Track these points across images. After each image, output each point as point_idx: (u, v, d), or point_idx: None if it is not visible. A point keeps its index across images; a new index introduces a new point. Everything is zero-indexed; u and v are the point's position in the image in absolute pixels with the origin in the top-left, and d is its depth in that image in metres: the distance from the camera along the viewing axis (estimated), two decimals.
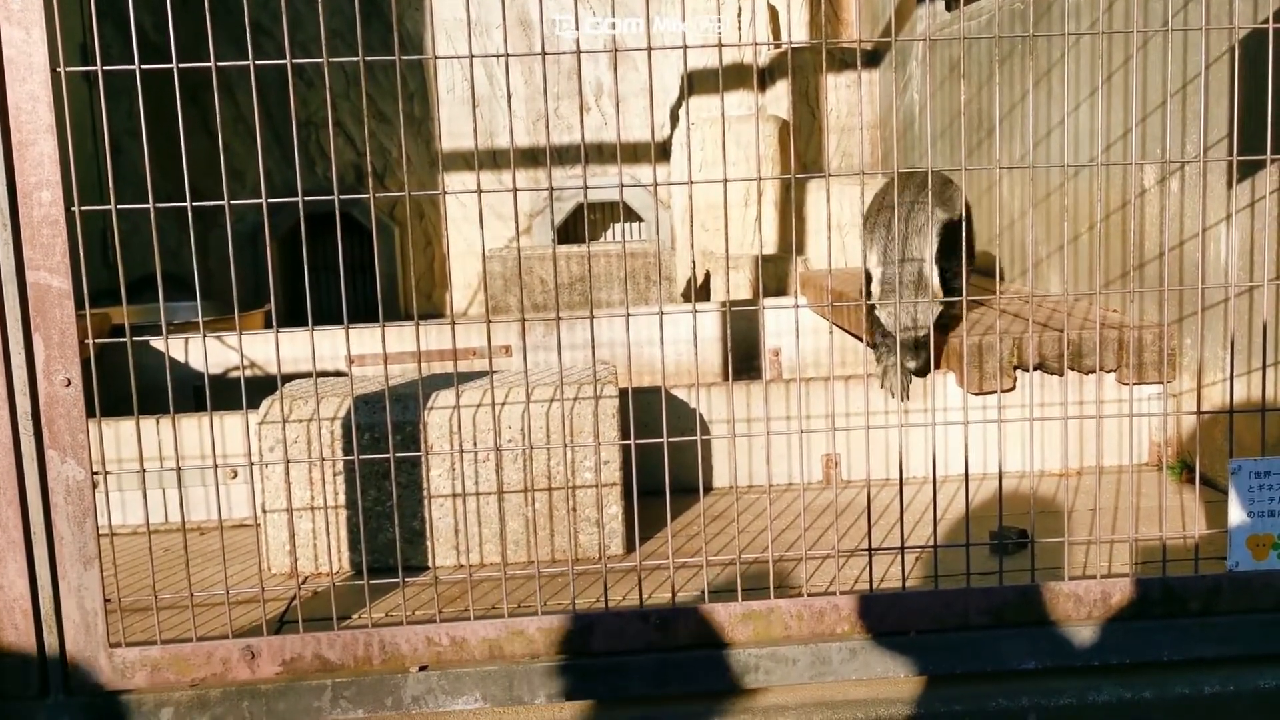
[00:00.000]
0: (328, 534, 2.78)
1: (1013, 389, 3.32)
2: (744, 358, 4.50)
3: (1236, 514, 2.23)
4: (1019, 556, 2.60)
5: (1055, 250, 4.02)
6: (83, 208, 2.04)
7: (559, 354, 2.13)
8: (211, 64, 2.03)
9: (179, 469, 2.17)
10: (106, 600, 2.12)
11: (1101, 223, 3.44)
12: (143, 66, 2.06)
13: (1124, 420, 3.35)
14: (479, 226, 2.03)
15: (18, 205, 2.02)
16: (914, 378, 3.23)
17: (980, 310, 3.78)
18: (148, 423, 2.90)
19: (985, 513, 2.94)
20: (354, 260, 7.05)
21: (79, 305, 2.08)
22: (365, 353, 4.18)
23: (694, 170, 5.89)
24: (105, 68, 2.07)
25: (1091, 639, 2.24)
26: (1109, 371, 3.34)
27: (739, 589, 2.23)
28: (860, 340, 3.44)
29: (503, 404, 2.75)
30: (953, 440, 3.30)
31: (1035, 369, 3.31)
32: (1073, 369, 3.32)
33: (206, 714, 2.14)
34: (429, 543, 2.77)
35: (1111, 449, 3.40)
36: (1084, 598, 2.25)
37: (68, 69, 2.02)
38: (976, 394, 3.29)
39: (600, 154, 6.94)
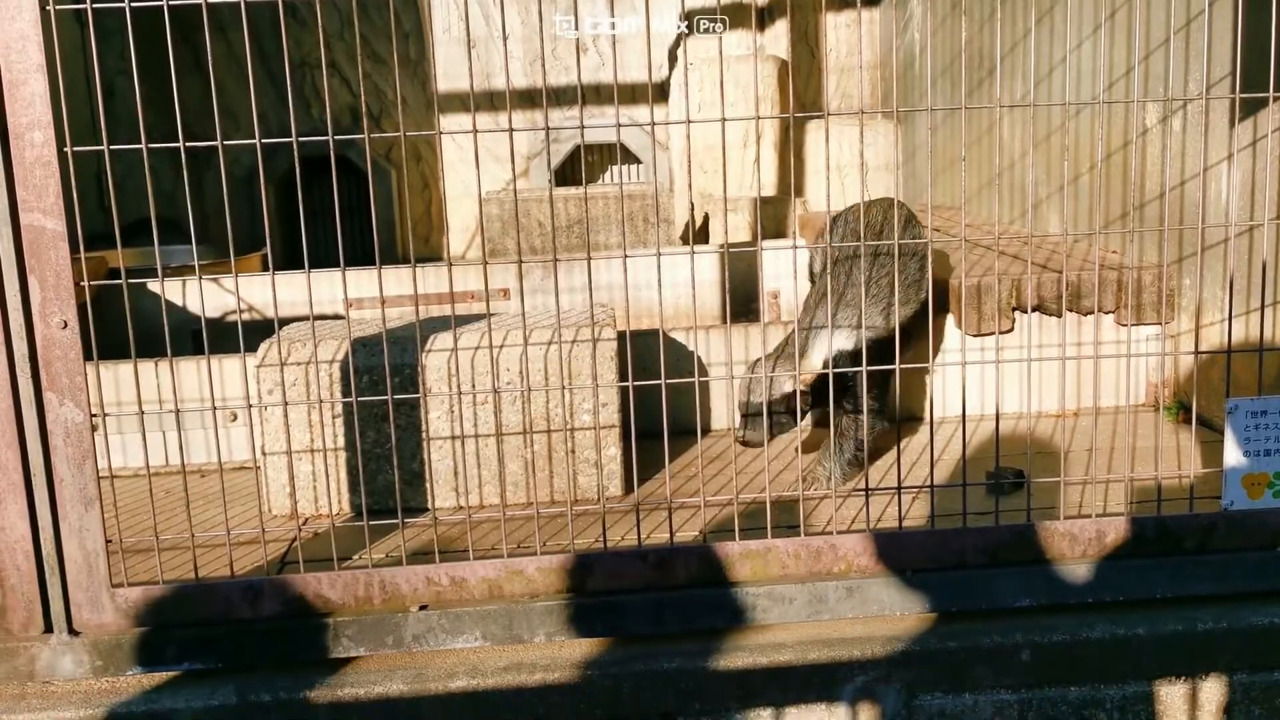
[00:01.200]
0: (327, 476, 2.79)
1: (1011, 330, 3.32)
2: (743, 300, 4.49)
3: (1232, 453, 2.24)
4: (1015, 496, 2.61)
5: (1055, 191, 4.00)
6: (75, 149, 2.03)
7: (556, 297, 2.13)
8: (203, 1, 2.01)
9: (178, 411, 2.17)
10: (108, 541, 2.14)
11: (1102, 162, 3.42)
12: (133, 4, 2.03)
13: (1122, 361, 3.35)
14: (475, 169, 2.01)
15: (9, 146, 2.00)
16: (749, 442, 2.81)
17: (980, 252, 3.76)
18: (146, 366, 2.91)
19: (983, 453, 2.95)
20: (351, 203, 7.01)
21: (74, 248, 2.07)
22: (363, 296, 4.18)
23: (692, 111, 5.84)
24: (96, 4, 2.04)
25: (1086, 577, 2.26)
26: (1107, 313, 3.34)
27: (736, 529, 2.25)
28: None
29: (501, 346, 2.75)
30: (951, 382, 3.31)
31: (1033, 310, 3.30)
32: (1071, 310, 3.31)
33: (210, 653, 2.16)
34: (428, 484, 2.78)
35: (1109, 390, 3.41)
36: (1079, 536, 2.27)
37: (58, 6, 1.99)
38: (975, 336, 3.29)
39: (598, 95, 6.88)
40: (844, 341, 2.76)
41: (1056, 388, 3.31)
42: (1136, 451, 2.92)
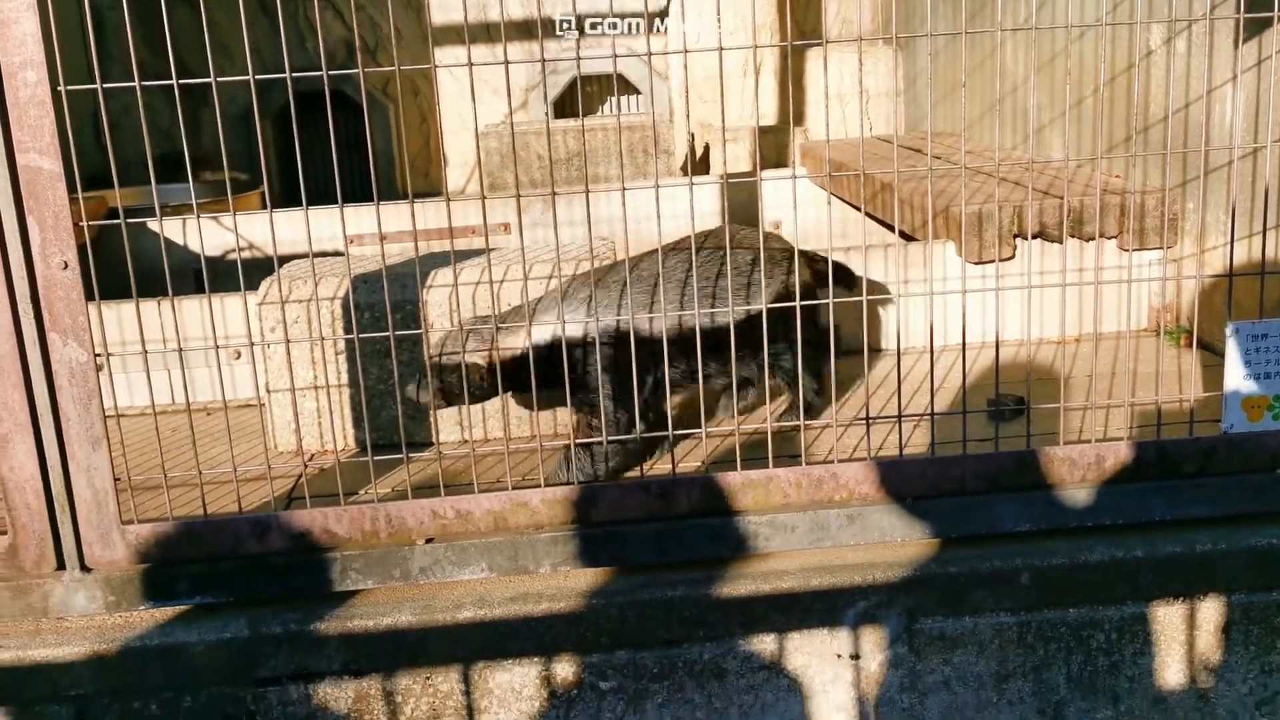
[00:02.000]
0: (331, 412, 2.81)
1: (1012, 257, 3.31)
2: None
3: (1233, 376, 2.25)
4: (1016, 423, 2.63)
5: (1058, 116, 3.96)
6: (69, 87, 2.01)
7: (555, 231, 2.12)
8: None
9: (181, 350, 2.18)
10: (116, 479, 2.16)
11: (1105, 86, 3.38)
12: None
13: (1123, 286, 3.34)
14: (472, 103, 2.00)
15: (3, 87, 1.99)
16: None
17: (981, 179, 3.74)
18: (148, 305, 2.91)
19: (983, 381, 2.96)
20: (348, 138, 6.95)
21: (71, 188, 2.06)
22: (363, 232, 4.16)
23: (690, 40, 5.77)
24: None
25: (1085, 501, 2.28)
26: (1110, 238, 3.32)
27: (738, 459, 2.27)
28: (859, 211, 3.42)
29: (501, 281, 2.75)
30: (952, 310, 3.31)
31: (1035, 237, 3.29)
32: (1073, 236, 3.30)
33: (220, 587, 2.19)
34: (432, 419, 2.80)
35: (1111, 315, 3.41)
36: (1079, 461, 2.28)
37: None
38: (976, 263, 3.29)
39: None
40: (546, 333, 2.44)
41: (1058, 314, 3.31)
42: (1137, 376, 2.93)
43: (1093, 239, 3.31)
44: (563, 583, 2.22)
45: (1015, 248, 3.31)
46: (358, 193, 6.76)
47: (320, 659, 2.14)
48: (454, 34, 6.77)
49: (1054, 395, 2.77)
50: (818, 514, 2.25)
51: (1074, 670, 2.27)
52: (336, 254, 3.74)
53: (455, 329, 2.49)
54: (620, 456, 2.51)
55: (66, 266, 2.06)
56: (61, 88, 2.00)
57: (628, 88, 6.94)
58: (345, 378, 2.79)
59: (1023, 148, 4.32)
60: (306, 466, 2.68)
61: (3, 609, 2.18)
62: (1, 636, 2.15)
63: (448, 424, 2.83)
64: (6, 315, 2.05)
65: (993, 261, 3.27)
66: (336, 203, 2.14)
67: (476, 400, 2.51)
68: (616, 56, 2.13)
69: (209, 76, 2.06)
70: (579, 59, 2.16)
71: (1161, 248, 3.29)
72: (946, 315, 3.32)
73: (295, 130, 2.23)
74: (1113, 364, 3.11)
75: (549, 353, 2.40)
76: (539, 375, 2.33)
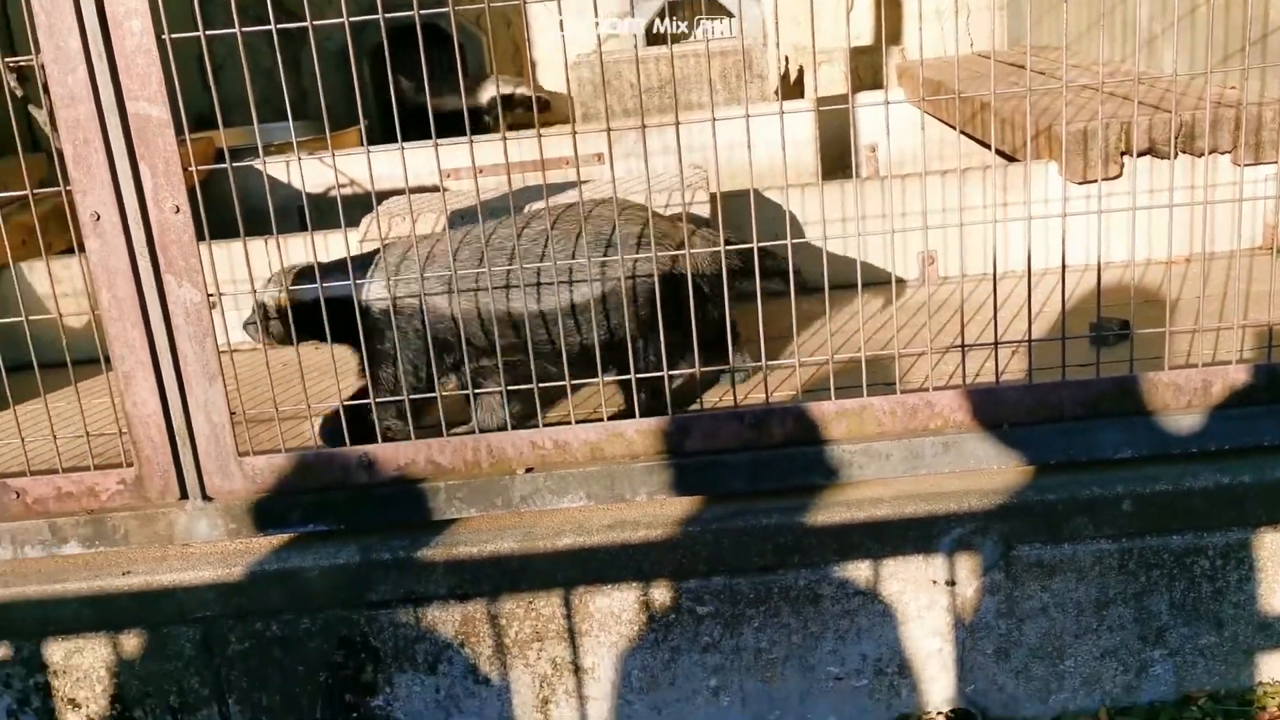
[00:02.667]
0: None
1: (1119, 176, 3.21)
2: (840, 156, 4.41)
3: None
4: (1119, 348, 2.57)
5: (1169, 26, 3.79)
6: (173, 35, 2.07)
7: (645, 163, 2.13)
8: None
9: (288, 289, 2.25)
10: (232, 413, 2.26)
11: None
12: None
13: (1237, 203, 3.22)
14: (562, 32, 2.00)
15: (111, 36, 2.06)
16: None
17: (1087, 94, 3.61)
18: (256, 244, 3.00)
19: (1085, 305, 2.90)
20: (442, 72, 6.99)
21: (179, 133, 2.13)
22: (458, 166, 4.21)
23: None
24: None
25: (1190, 427, 2.23)
26: (1223, 153, 3.20)
27: (832, 387, 2.27)
28: (958, 131, 3.34)
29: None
30: (1054, 233, 3.23)
31: (1143, 154, 3.18)
32: (1184, 152, 3.18)
33: (332, 515, 2.29)
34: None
35: (1223, 234, 3.28)
36: (1184, 386, 2.23)
37: None
38: (1080, 183, 3.20)
39: None
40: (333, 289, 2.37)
41: (1165, 234, 3.20)
42: (1250, 297, 2.83)
43: (1204, 155, 3.19)
44: (659, 511, 2.26)
45: (1122, 166, 3.21)
46: (453, 126, 6.79)
47: (428, 584, 2.23)
48: None
49: (1160, 319, 2.70)
50: (912, 442, 2.25)
51: (1177, 597, 2.24)
52: (434, 189, 3.80)
53: (283, 268, 2.48)
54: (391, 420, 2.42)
55: (178, 210, 2.14)
56: (166, 35, 2.06)
57: (720, 11, 6.83)
58: None
59: (1131, 61, 4.16)
60: (409, 399, 2.75)
61: (131, 536, 2.31)
62: (131, 562, 2.28)
63: None
64: (124, 259, 2.15)
65: (1097, 181, 3.18)
66: (432, 138, 2.18)
67: (284, 342, 2.50)
68: None
69: (307, 18, 2.10)
70: None
71: (1278, 162, 3.15)
72: (1048, 238, 3.24)
73: (389, 66, 2.26)
74: (1224, 285, 3.01)
75: (317, 309, 2.34)
76: (299, 327, 2.40)
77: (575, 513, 2.29)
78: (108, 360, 2.22)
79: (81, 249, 2.16)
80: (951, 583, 2.23)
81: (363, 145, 2.23)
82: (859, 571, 2.23)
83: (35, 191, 2.20)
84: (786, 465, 2.26)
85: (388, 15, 2.16)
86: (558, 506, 2.29)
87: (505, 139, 2.19)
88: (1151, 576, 2.23)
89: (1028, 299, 2.22)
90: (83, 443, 2.33)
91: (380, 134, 6.47)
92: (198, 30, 2.09)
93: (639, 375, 2.27)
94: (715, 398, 2.62)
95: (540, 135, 2.21)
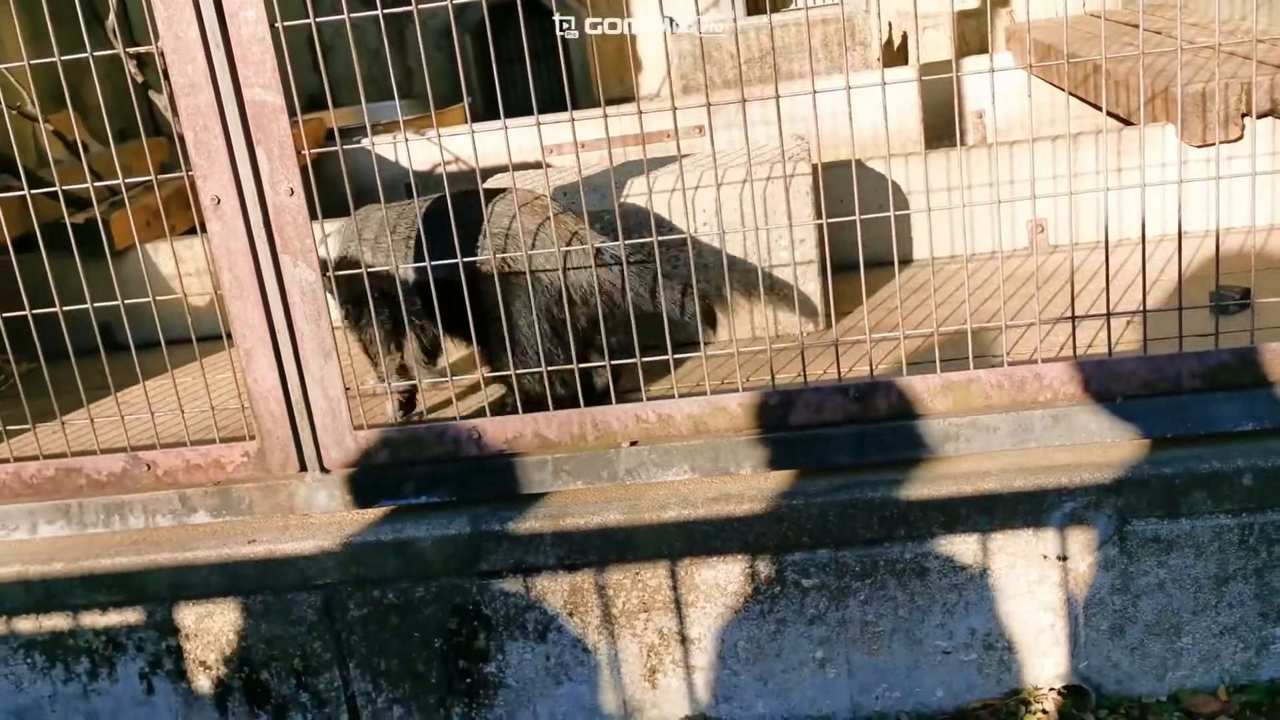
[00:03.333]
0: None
1: (1240, 138, 3.09)
2: (946, 123, 4.33)
3: None
4: (1239, 318, 2.49)
5: None
6: (285, 23, 2.13)
7: (745, 135, 2.12)
8: None
9: (396, 266, 2.31)
10: (346, 388, 2.33)
11: None
12: None
13: None
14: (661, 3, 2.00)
15: (227, 26, 2.13)
16: None
17: (1206, 54, 3.48)
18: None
19: (1204, 274, 2.81)
20: (543, 47, 7.04)
21: (291, 115, 2.19)
22: (561, 142, 4.25)
23: None
24: None
25: None
26: None
27: (937, 360, 2.25)
28: (1067, 93, 3.25)
29: (695, 188, 2.78)
30: (1171, 199, 3.13)
31: (1265, 115, 3.05)
32: None
33: (443, 487, 2.35)
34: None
35: None
36: None
37: None
38: (1199, 146, 3.09)
39: None
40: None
41: None
42: None
43: None
44: (763, 484, 2.27)
45: (1243, 128, 3.09)
46: (555, 101, 6.85)
47: (537, 554, 2.28)
48: None
49: None
50: (1020, 415, 2.21)
51: None
52: (537, 165, 3.84)
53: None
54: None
55: (293, 193, 2.21)
56: (279, 24, 2.13)
57: None
58: None
59: (1251, 19, 3.99)
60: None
61: (255, 506, 2.41)
62: (255, 531, 2.38)
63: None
64: (243, 241, 2.23)
65: (1216, 144, 3.06)
66: (534, 114, 2.21)
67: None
68: None
69: (409, 4, 2.14)
70: None
71: None
72: (1165, 204, 3.15)
73: (491, 43, 2.30)
74: None
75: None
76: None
77: (680, 485, 2.31)
78: (229, 337, 2.31)
79: (203, 230, 2.25)
80: (1063, 558, 2.20)
81: (467, 123, 2.27)
82: (966, 545, 2.21)
83: (159, 176, 2.30)
84: (891, 438, 2.25)
85: None
86: (662, 480, 2.32)
87: (605, 116, 2.21)
88: (1274, 552, 2.17)
89: (1142, 267, 2.16)
90: (208, 417, 2.43)
91: (484, 112, 6.56)
92: (308, 17, 2.15)
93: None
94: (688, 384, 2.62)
95: (640, 111, 2.22)
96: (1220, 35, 2.67)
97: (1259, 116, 3.00)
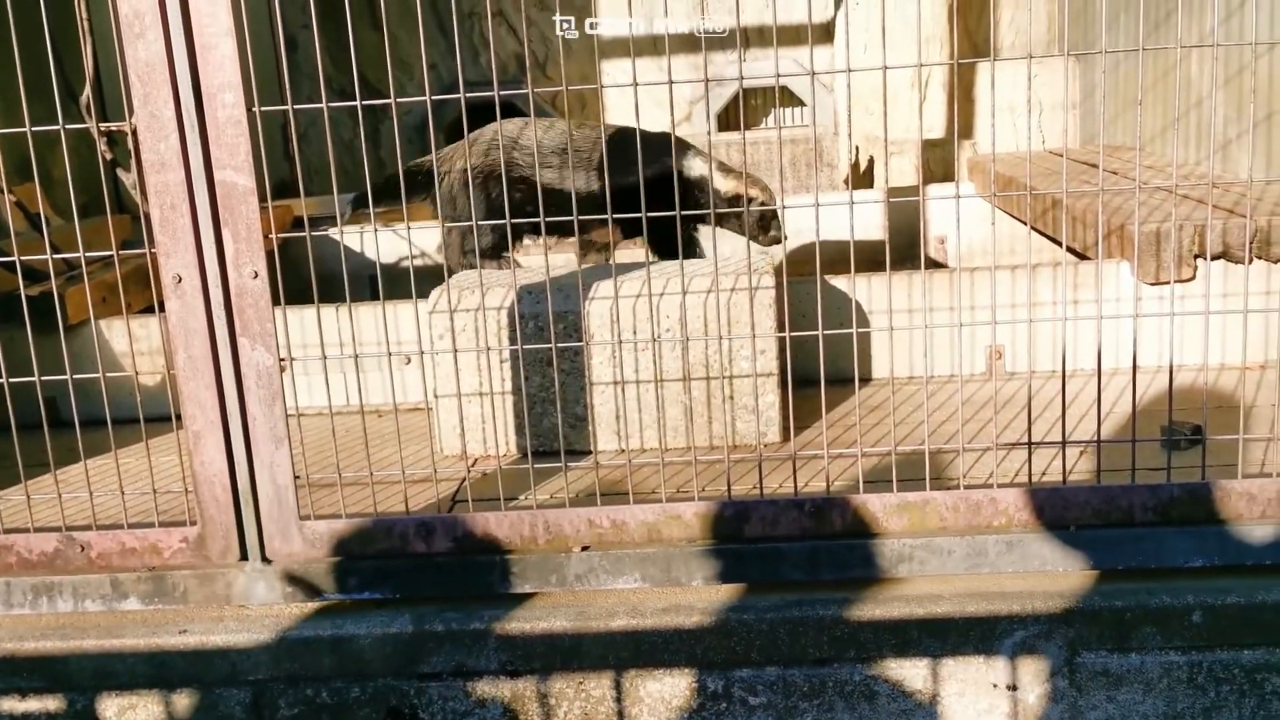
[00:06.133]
0: (495, 419, 2.90)
1: (1193, 278, 3.17)
2: (909, 246, 4.41)
3: None
4: (1190, 453, 2.52)
5: (1245, 131, 3.77)
6: (262, 108, 2.14)
7: (714, 246, 2.15)
8: None
9: (356, 356, 2.29)
10: (296, 477, 2.28)
11: None
12: None
13: None
14: (636, 116, 2.04)
15: (204, 108, 2.13)
16: None
17: (1161, 195, 3.59)
18: (328, 311, 3.06)
19: (1156, 408, 2.84)
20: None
21: (261, 200, 2.19)
22: (528, 243, 4.27)
23: (857, 49, 5.71)
24: None
25: (1265, 538, 2.17)
26: None
27: (894, 479, 2.24)
28: (1029, 226, 3.33)
29: (660, 295, 2.79)
30: (1125, 333, 3.19)
31: (1217, 258, 3.14)
32: (1259, 257, 3.14)
33: (388, 584, 2.30)
34: (591, 428, 2.86)
35: None
36: (1258, 496, 2.18)
37: None
38: (1153, 284, 3.16)
39: (761, 36, 6.78)
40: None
41: (1240, 339, 3.15)
42: None
43: None
44: (714, 596, 2.24)
45: (1196, 269, 3.17)
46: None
47: (479, 658, 2.22)
48: (621, 47, 6.87)
49: (1234, 425, 2.64)
50: (975, 539, 2.21)
51: (1246, 714, 2.16)
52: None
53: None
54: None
55: (256, 275, 2.19)
56: (256, 108, 2.14)
57: (792, 100, 6.92)
58: (509, 385, 2.88)
59: (1206, 164, 4.13)
60: (470, 471, 2.77)
61: (190, 595, 2.33)
62: (187, 621, 2.30)
63: (605, 433, 2.88)
64: (202, 320, 2.20)
65: (1170, 283, 3.14)
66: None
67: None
68: (779, 76, 2.14)
69: (389, 91, 2.17)
70: (741, 79, 2.18)
71: None
72: (1118, 338, 3.20)
73: (467, 148, 2.32)
74: None
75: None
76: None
77: (630, 594, 2.27)
78: (179, 418, 2.27)
79: (161, 309, 2.22)
80: (1013, 687, 2.17)
81: (437, 218, 2.28)
82: (917, 670, 2.18)
83: (120, 253, 2.28)
84: (845, 556, 2.23)
85: (468, 95, 2.21)
86: (612, 587, 2.28)
87: (577, 220, 2.22)
88: (1221, 692, 2.16)
89: (1098, 398, 2.19)
90: (149, 499, 2.37)
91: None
92: (284, 104, 2.16)
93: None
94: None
95: (613, 217, 2.24)
96: (1177, 178, 2.75)
97: (1212, 258, 3.09)
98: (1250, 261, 3.12)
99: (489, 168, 3.41)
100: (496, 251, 3.51)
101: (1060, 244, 3.27)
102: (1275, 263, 3.15)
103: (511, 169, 3.41)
